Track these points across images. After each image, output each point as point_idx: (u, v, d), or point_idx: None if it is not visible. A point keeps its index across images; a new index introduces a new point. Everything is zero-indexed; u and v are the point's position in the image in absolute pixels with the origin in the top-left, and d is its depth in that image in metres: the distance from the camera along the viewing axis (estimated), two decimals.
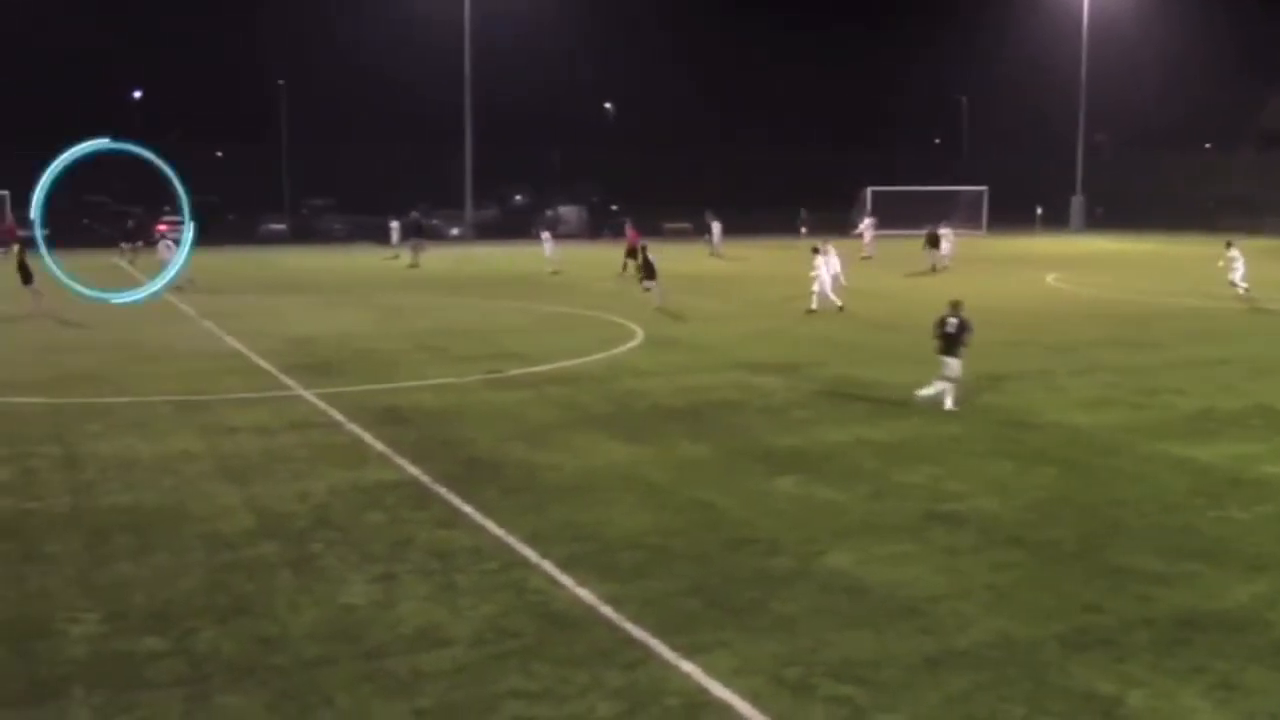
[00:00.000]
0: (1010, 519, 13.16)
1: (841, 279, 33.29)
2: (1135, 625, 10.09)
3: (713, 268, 49.52)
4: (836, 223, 61.15)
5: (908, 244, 52.73)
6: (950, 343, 18.67)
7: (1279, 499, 13.98)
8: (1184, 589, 10.97)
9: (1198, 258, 37.11)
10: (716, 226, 56.78)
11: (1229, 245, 35.81)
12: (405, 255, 51.61)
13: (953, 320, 18.76)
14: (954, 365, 18.61)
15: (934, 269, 45.35)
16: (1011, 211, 77.59)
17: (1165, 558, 11.81)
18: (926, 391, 18.64)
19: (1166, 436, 17.21)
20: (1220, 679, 9.05)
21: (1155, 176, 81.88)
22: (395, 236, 55.85)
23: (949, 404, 18.55)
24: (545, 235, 50.67)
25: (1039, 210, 79.72)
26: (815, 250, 32.94)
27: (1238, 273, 34.85)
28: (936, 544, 12.26)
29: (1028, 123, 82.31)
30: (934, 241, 46.48)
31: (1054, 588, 11.00)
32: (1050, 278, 44.21)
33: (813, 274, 32.14)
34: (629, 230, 45.87)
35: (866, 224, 56.59)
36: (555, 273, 45.07)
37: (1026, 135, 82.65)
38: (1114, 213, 79.03)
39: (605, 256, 49.87)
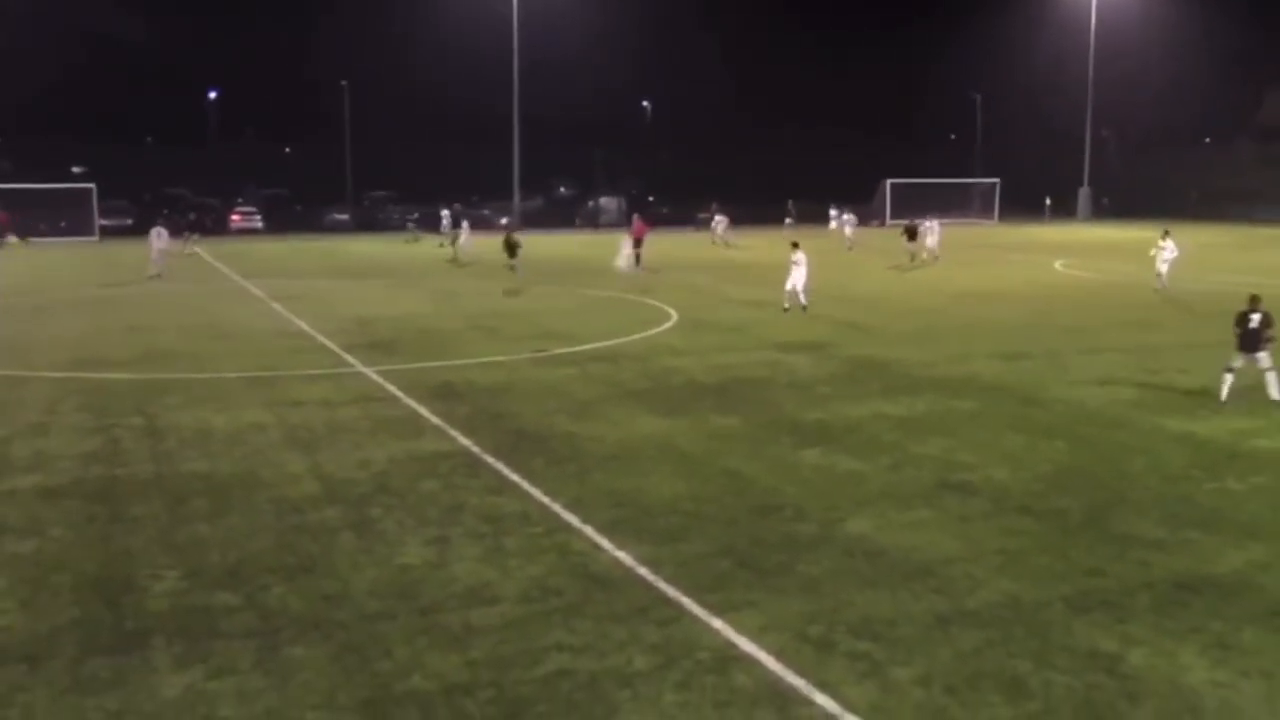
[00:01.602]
0: (1020, 489, 13.07)
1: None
2: (1136, 589, 10.01)
3: (732, 256, 49.29)
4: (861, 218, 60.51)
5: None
6: (1254, 339, 17.37)
7: (1272, 471, 13.82)
8: (1182, 555, 10.87)
9: (1198, 245, 36.67)
10: (721, 218, 56.25)
11: (1165, 234, 33.54)
12: (447, 244, 50.96)
13: (1255, 315, 17.39)
14: (1264, 358, 17.45)
15: (912, 259, 42.60)
16: (1022, 203, 76.96)
17: (1165, 526, 11.70)
18: (1224, 389, 17.42)
19: (1168, 412, 17.03)
20: (1216, 639, 8.96)
21: (1157, 168, 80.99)
22: (445, 224, 55.69)
23: (1274, 394, 17.38)
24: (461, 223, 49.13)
25: (1048, 201, 79.00)
26: (795, 245, 29.70)
27: (1164, 263, 32.80)
28: (950, 511, 12.19)
29: (1038, 119, 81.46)
30: (912, 234, 43.46)
31: (1060, 553, 10.92)
32: (1058, 264, 43.80)
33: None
34: (637, 221, 44.88)
35: (845, 219, 55.20)
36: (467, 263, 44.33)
37: (1037, 131, 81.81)
38: (1119, 203, 78.21)
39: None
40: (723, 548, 11.04)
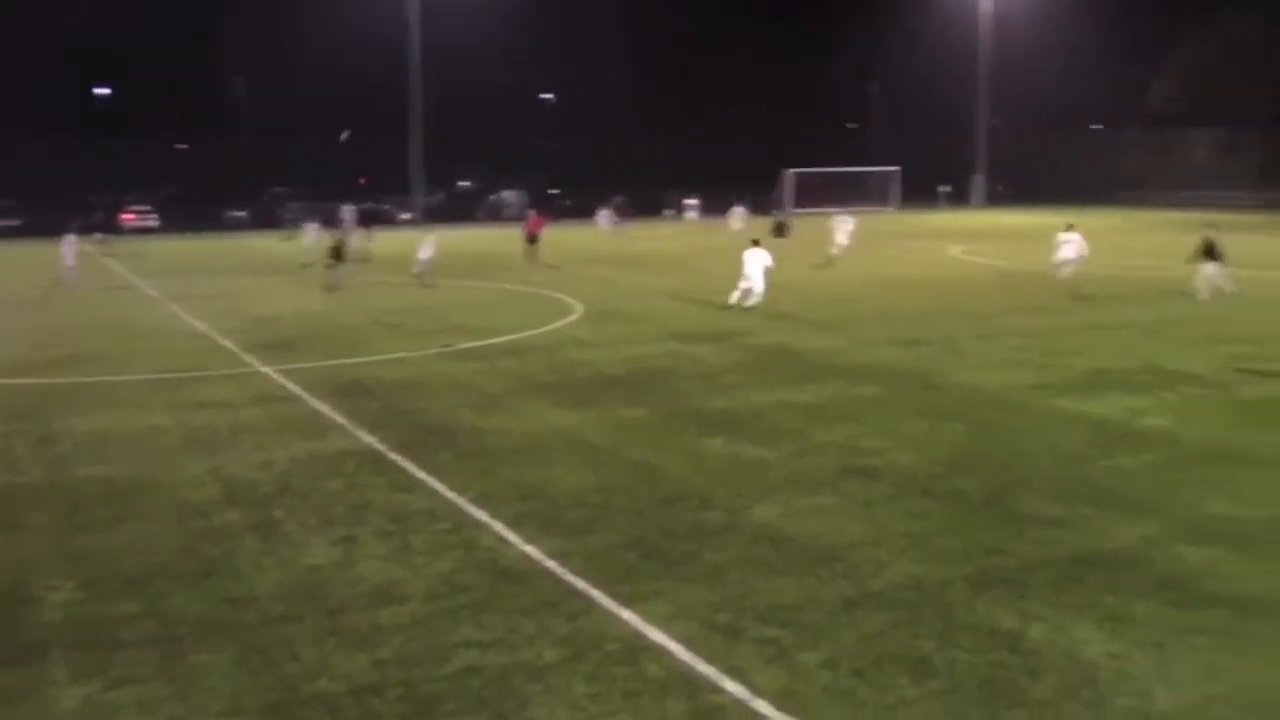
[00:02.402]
0: (922, 472, 13.31)
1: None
2: (1035, 566, 10.25)
3: (636, 248, 49.39)
4: (757, 207, 60.53)
5: (822, 222, 52.83)
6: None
7: (1162, 448, 14.25)
8: (1078, 532, 11.16)
9: (1091, 229, 37.60)
10: (607, 212, 56.08)
11: (1069, 227, 31.54)
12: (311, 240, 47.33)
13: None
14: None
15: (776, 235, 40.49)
16: (920, 190, 78.23)
17: (1062, 504, 12.00)
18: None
19: (1064, 394, 17.45)
20: (1110, 612, 9.22)
21: (1050, 155, 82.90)
22: (346, 221, 54.19)
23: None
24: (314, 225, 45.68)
25: (944, 189, 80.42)
26: (755, 242, 28.52)
27: (1062, 255, 30.90)
28: (854, 496, 12.37)
29: (935, 107, 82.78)
30: (780, 230, 41.24)
31: (962, 534, 11.14)
32: (955, 250, 44.60)
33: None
34: (533, 216, 44.02)
35: (735, 211, 54.69)
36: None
37: (934, 119, 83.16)
38: (1013, 190, 79.88)
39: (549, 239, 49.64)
40: (630, 539, 11.07)
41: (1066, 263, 30.39)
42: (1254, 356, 20.32)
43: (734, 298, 27.13)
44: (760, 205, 56.00)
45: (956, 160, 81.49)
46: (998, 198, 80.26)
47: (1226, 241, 28.50)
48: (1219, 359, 20.08)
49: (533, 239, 40.75)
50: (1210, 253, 28.07)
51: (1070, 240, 30.69)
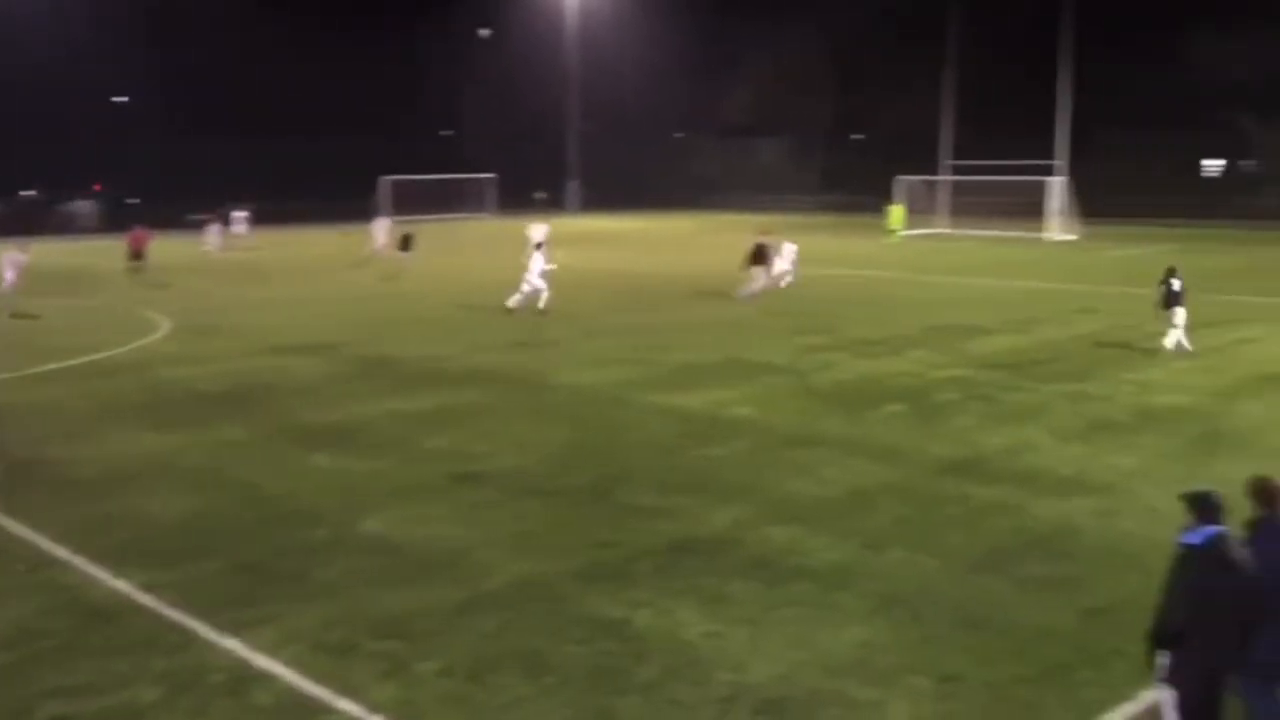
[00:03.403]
0: (529, 472, 13.54)
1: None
2: (638, 555, 10.68)
3: (232, 258, 47.32)
4: (356, 214, 58.79)
5: (420, 228, 52.73)
6: (1174, 299, 20.95)
7: (748, 436, 15.24)
8: (677, 519, 11.73)
9: (677, 233, 39.62)
10: (216, 226, 53.32)
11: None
12: None
13: (1175, 280, 21.05)
14: (1180, 314, 20.92)
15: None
16: (518, 197, 79.55)
17: (661, 493, 12.57)
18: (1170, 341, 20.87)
19: (659, 389, 18.29)
20: (709, 593, 9.76)
21: (638, 162, 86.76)
22: None
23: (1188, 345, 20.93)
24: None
25: (540, 195, 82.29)
26: (538, 246, 29.23)
27: (780, 266, 31.84)
28: (463, 501, 12.41)
29: (528, 114, 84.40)
30: (405, 244, 40.22)
31: (569, 529, 11.43)
32: (555, 254, 45.65)
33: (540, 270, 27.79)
34: (137, 231, 40.66)
35: (380, 223, 52.81)
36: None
37: (529, 126, 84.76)
38: (605, 195, 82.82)
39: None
40: (234, 563, 10.57)
41: (784, 274, 31.50)
42: (825, 347, 22.14)
43: (514, 300, 27.29)
44: (359, 215, 54.53)
45: (553, 167, 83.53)
46: (592, 203, 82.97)
47: (791, 242, 31.11)
48: (794, 350, 21.74)
49: (137, 254, 37.78)
50: (758, 257, 29.87)
51: (787, 251, 31.95)
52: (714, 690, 8.08)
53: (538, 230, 39.16)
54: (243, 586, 10.02)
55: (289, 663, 8.47)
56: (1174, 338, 20.94)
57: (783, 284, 31.24)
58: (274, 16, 75.54)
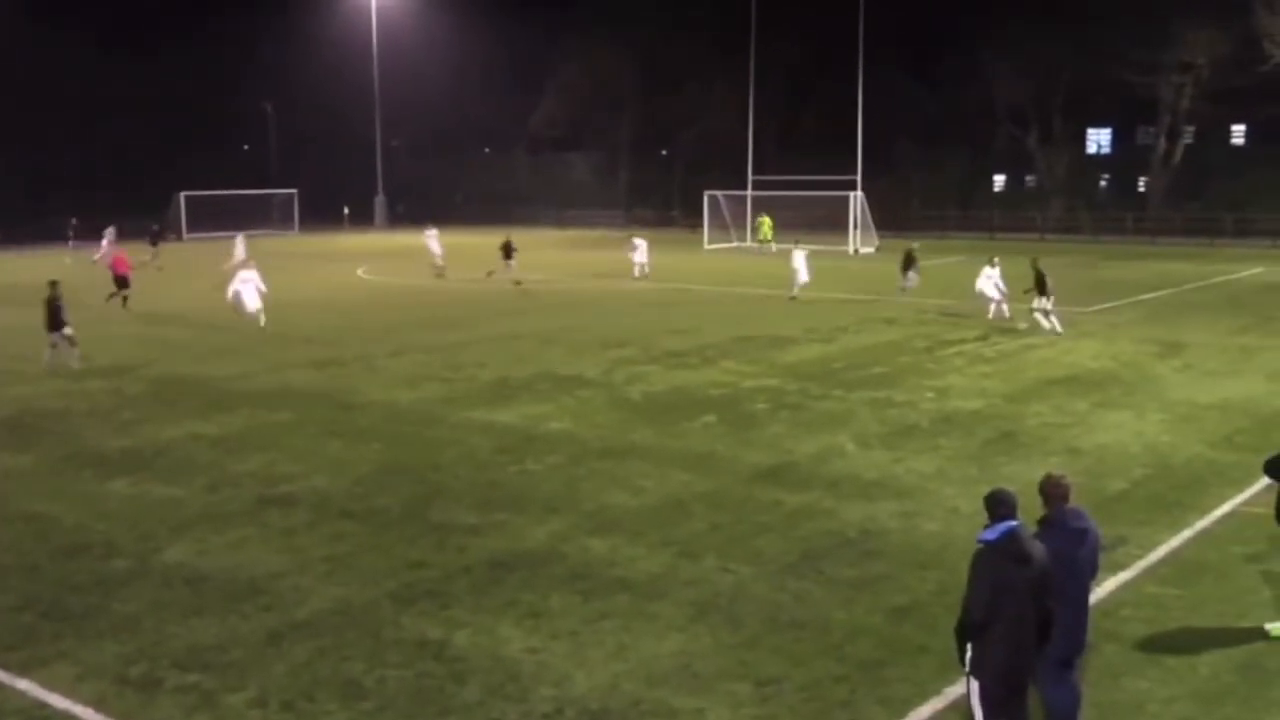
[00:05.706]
0: (342, 494, 13.26)
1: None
2: (456, 574, 10.58)
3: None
4: (136, 231, 55.57)
5: (219, 245, 51.01)
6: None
7: (563, 450, 15.27)
8: (495, 536, 11.67)
9: (488, 247, 39.36)
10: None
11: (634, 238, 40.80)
12: None
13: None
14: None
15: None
16: (323, 212, 77.85)
17: (478, 511, 12.48)
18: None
19: (473, 405, 18.16)
20: (529, 609, 9.73)
21: (446, 176, 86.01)
22: None
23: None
24: None
25: (346, 210, 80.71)
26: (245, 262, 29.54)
27: (639, 260, 38.86)
28: (273, 526, 12.07)
29: (333, 128, 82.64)
30: (507, 252, 39.48)
31: (384, 551, 11.24)
32: (360, 270, 44.88)
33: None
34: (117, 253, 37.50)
35: (108, 234, 50.10)
36: None
37: (333, 140, 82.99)
38: (413, 209, 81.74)
39: None
40: (24, 599, 10.03)
41: (641, 266, 38.27)
42: (636, 359, 22.37)
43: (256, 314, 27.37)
44: (151, 231, 51.98)
45: (358, 181, 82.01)
46: (399, 218, 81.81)
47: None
48: (606, 363, 21.89)
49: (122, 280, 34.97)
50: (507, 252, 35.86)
51: (638, 245, 38.76)
52: (536, 706, 8.06)
53: (239, 248, 39.87)
54: (35, 623, 9.51)
55: (90, 701, 8.08)
56: (1043, 320, 25.39)
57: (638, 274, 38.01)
58: (68, 24, 72.22)
